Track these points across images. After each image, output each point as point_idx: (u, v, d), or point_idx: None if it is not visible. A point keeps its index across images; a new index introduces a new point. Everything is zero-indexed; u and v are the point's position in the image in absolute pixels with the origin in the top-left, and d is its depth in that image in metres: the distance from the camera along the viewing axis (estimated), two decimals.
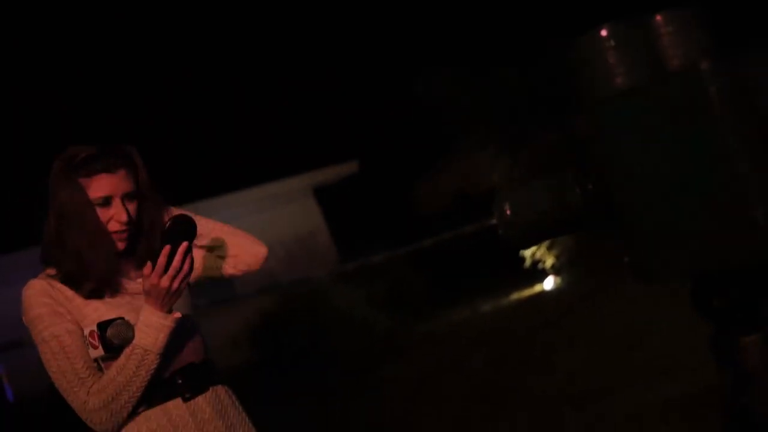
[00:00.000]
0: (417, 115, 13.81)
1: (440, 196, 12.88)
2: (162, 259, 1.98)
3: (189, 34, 17.37)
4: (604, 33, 1.00)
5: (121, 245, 2.15)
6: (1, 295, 11.75)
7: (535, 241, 1.21)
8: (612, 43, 1.00)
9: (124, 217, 2.12)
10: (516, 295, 11.64)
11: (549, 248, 11.40)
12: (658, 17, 1.07)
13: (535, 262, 11.71)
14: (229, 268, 2.34)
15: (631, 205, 1.02)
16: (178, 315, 2.06)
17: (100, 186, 2.10)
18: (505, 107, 11.75)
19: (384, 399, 7.82)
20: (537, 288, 11.59)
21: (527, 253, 11.72)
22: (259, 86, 17.71)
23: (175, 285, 2.01)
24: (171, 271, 1.99)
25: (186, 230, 2.01)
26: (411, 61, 13.42)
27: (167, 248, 1.98)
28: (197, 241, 2.22)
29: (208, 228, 2.32)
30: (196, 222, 2.12)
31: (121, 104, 15.58)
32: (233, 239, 2.33)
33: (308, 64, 18.09)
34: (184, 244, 2.00)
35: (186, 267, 2.01)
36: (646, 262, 1.04)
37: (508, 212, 1.21)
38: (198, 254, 2.29)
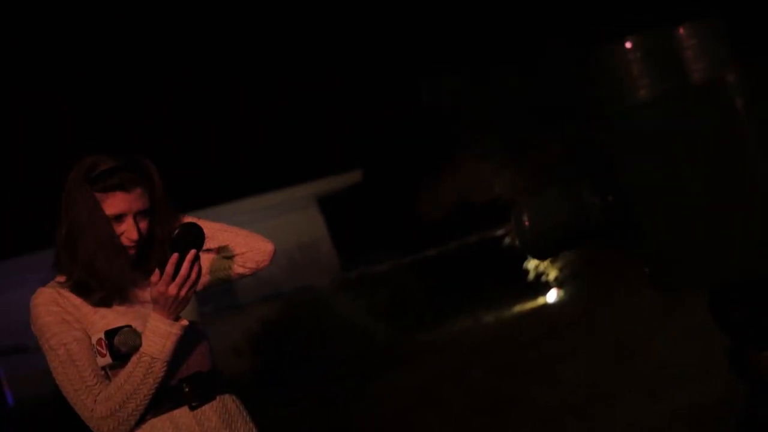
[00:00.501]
0: (421, 124, 13.82)
1: (442, 204, 12.89)
2: (170, 267, 1.99)
3: (197, 43, 17.41)
4: (628, 44, 1.00)
5: (131, 252, 2.17)
6: (1, 301, 11.80)
7: (554, 252, 1.21)
8: (637, 54, 1.00)
9: (134, 236, 2.14)
10: (519, 307, 11.63)
11: (553, 261, 11.39)
12: (681, 29, 1.08)
13: (539, 275, 11.70)
14: (238, 267, 2.33)
15: (651, 216, 1.02)
16: (185, 322, 2.07)
17: (115, 203, 2.12)
18: (510, 115, 11.75)
19: (385, 408, 7.81)
20: (540, 300, 11.57)
21: (531, 265, 11.71)
22: (264, 95, 17.75)
23: (183, 293, 2.02)
24: (179, 279, 2.00)
25: (194, 238, 2.02)
26: (415, 70, 13.43)
27: (175, 256, 2.00)
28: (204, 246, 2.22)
29: (213, 230, 2.32)
30: (201, 225, 2.13)
31: (126, 111, 15.61)
32: (239, 239, 2.33)
33: (312, 73, 18.13)
34: (192, 251, 2.01)
35: (194, 275, 2.02)
36: (665, 273, 1.04)
37: (527, 222, 1.21)
38: (206, 258, 2.30)
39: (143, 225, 2.16)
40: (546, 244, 1.22)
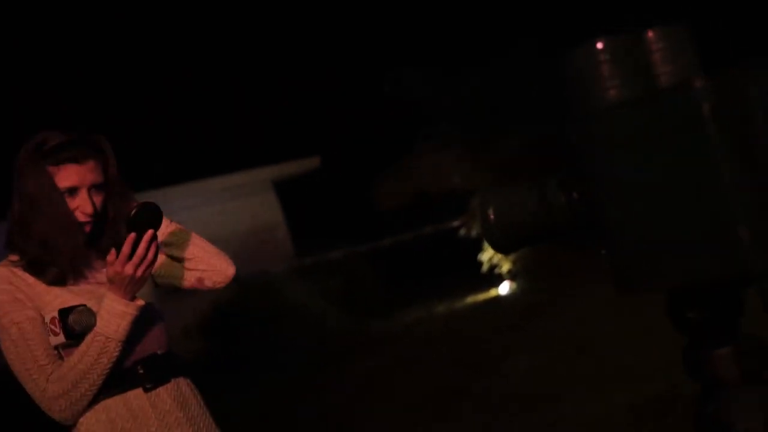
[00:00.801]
0: (382, 114, 13.83)
1: (399, 194, 12.92)
2: (127, 247, 1.97)
3: (154, 23, 17.20)
4: (599, 45, 1.02)
5: (86, 228, 2.13)
6: None
7: (518, 246, 1.22)
8: (607, 56, 1.02)
9: (89, 209, 2.10)
10: (471, 298, 11.71)
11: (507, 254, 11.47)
12: (650, 33, 1.10)
13: (492, 267, 11.80)
14: (193, 280, 2.28)
15: (615, 216, 1.04)
16: (141, 303, 2.05)
17: (67, 176, 2.08)
18: (471, 110, 11.82)
19: (334, 395, 7.83)
20: (493, 292, 11.68)
21: (484, 257, 11.80)
22: (224, 77, 17.60)
23: (139, 273, 2.00)
24: (135, 259, 1.98)
25: (152, 218, 2.00)
26: (378, 59, 13.43)
27: (132, 236, 1.97)
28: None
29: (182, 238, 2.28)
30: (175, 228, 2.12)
31: (84, 88, 15.38)
32: (203, 254, 2.27)
33: (277, 57, 18.02)
34: (150, 232, 1.99)
35: (150, 255, 2.00)
36: (627, 273, 1.06)
37: (492, 216, 1.23)
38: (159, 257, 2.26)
39: (97, 200, 2.12)
40: (510, 238, 1.24)
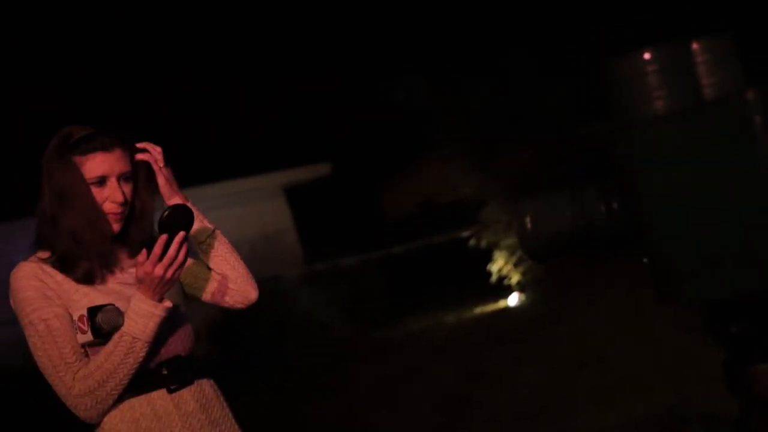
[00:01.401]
0: (392, 122, 13.84)
1: (409, 203, 12.93)
2: (158, 248, 1.97)
3: (164, 27, 17.25)
4: (647, 56, 1.02)
5: (115, 227, 2.13)
6: None
7: (554, 256, 1.22)
8: (654, 66, 1.02)
9: (119, 198, 2.10)
10: (480, 309, 11.69)
11: (516, 265, 11.46)
12: (695, 44, 1.09)
13: (501, 278, 11.77)
14: (215, 296, 2.27)
15: (659, 226, 1.03)
16: (169, 304, 2.05)
17: (95, 165, 2.09)
18: (480, 119, 11.81)
19: (339, 402, 7.81)
20: (501, 303, 11.64)
21: (494, 268, 11.77)
22: (235, 82, 17.63)
23: (169, 274, 2.00)
24: (166, 260, 1.98)
25: (184, 220, 2.00)
26: (388, 68, 13.44)
27: (164, 237, 1.97)
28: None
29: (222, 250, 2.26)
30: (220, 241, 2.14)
31: (93, 92, 15.41)
32: (232, 272, 2.26)
33: (288, 64, 18.05)
34: (181, 233, 1.99)
35: (181, 256, 2.00)
36: (670, 283, 1.05)
37: (529, 224, 1.22)
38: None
39: (127, 189, 2.12)
40: (547, 247, 1.23)
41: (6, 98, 14.17)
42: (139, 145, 2.18)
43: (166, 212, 1.98)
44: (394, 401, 7.31)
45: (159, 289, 2.01)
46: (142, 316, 2.01)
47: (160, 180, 2.20)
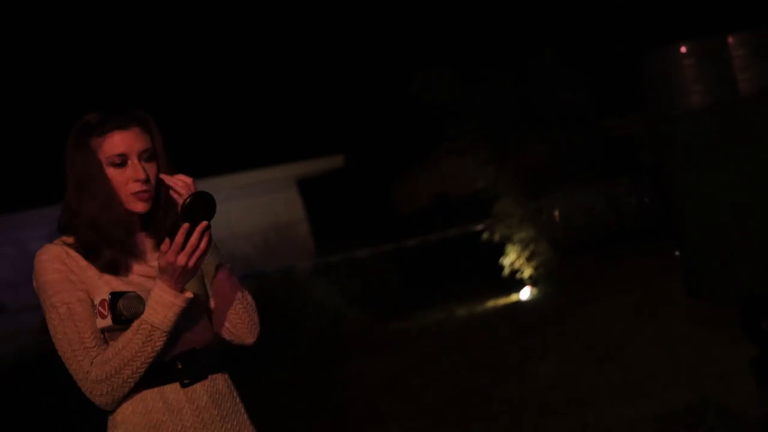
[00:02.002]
0: (407, 115, 13.82)
1: (422, 195, 12.91)
2: (180, 237, 1.96)
3: (178, 22, 17.27)
4: (683, 49, 1.01)
5: (141, 206, 2.12)
6: None
7: (582, 248, 1.21)
8: (691, 60, 1.01)
9: (141, 174, 2.10)
10: (492, 302, 11.68)
11: (528, 259, 11.44)
12: (731, 39, 1.08)
13: (514, 271, 11.75)
14: (217, 326, 2.26)
15: (693, 221, 1.03)
16: (190, 295, 2.05)
17: (113, 144, 2.09)
18: (496, 113, 11.78)
19: (352, 393, 7.82)
20: (513, 297, 11.63)
21: (506, 261, 11.75)
22: (250, 75, 17.64)
23: (192, 263, 1.99)
24: (188, 249, 1.97)
25: (206, 208, 1.98)
26: (404, 61, 13.42)
27: (186, 226, 1.96)
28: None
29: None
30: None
31: (109, 85, 15.46)
32: (235, 316, 2.25)
33: (302, 56, 18.05)
34: (203, 223, 1.97)
35: (203, 245, 1.99)
36: (701, 278, 1.05)
37: (557, 217, 1.21)
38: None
39: (149, 168, 2.12)
40: (575, 240, 1.22)
41: (28, 90, 14.25)
42: (169, 181, 2.14)
43: (188, 200, 1.96)
44: (407, 393, 7.32)
45: (181, 278, 2.01)
46: (162, 305, 2.01)
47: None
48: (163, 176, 2.15)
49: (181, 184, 2.13)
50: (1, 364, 8.76)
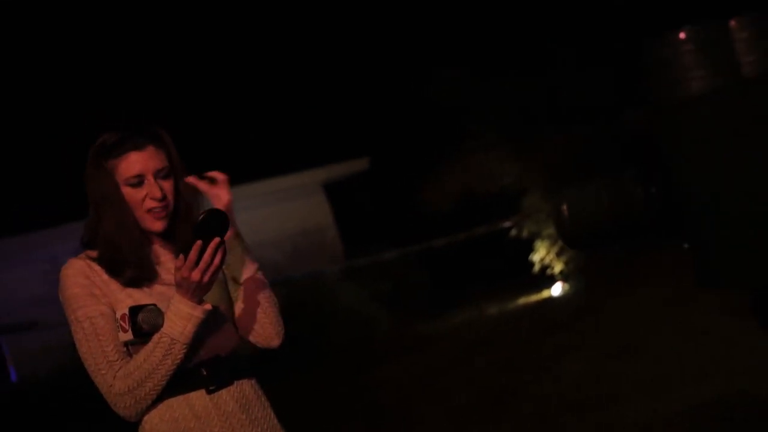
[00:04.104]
0: (429, 113, 13.79)
1: (449, 194, 12.86)
2: (193, 254, 1.98)
3: (204, 26, 17.39)
4: (682, 35, 0.99)
5: (158, 225, 2.16)
6: (5, 280, 11.81)
7: (593, 243, 1.19)
8: (690, 46, 0.99)
9: (157, 193, 2.13)
10: (523, 300, 11.62)
11: (558, 254, 11.38)
12: (733, 22, 1.06)
13: (544, 268, 11.69)
14: (239, 322, 2.27)
15: (701, 210, 1.01)
16: (208, 306, 2.07)
17: (129, 165, 2.13)
18: (519, 108, 11.74)
19: (385, 396, 7.82)
20: (545, 293, 11.57)
21: (536, 258, 11.69)
22: (272, 80, 17.71)
23: (206, 278, 2.02)
24: (202, 265, 2.00)
25: (218, 225, 2.00)
26: (424, 59, 13.39)
27: (198, 243, 1.98)
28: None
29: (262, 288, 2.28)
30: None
31: (136, 93, 15.60)
32: (263, 316, 2.27)
33: (323, 59, 18.08)
34: (216, 240, 2.00)
35: (217, 261, 2.01)
36: (711, 268, 1.03)
37: (566, 212, 1.20)
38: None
39: (165, 186, 2.16)
40: (585, 234, 1.21)
41: (59, 107, 14.43)
42: (208, 175, 2.23)
43: (201, 217, 1.99)
44: (439, 394, 7.30)
45: (197, 292, 2.04)
46: (181, 317, 2.04)
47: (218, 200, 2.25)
48: (189, 180, 2.20)
49: (210, 183, 2.22)
50: (35, 380, 8.87)
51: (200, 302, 2.06)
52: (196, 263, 1.99)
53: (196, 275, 2.00)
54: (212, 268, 2.01)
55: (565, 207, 1.04)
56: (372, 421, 7.10)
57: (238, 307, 2.27)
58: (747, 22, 0.93)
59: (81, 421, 7.41)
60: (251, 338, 2.28)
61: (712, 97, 0.84)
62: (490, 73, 11.86)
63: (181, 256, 2.01)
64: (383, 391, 8.05)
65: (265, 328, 2.28)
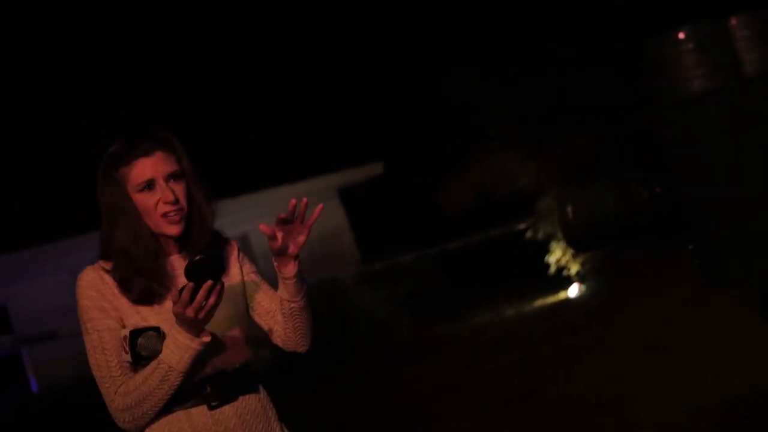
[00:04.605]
0: (444, 116, 13.78)
1: (464, 196, 12.84)
2: (186, 294, 1.97)
3: (220, 30, 17.45)
4: (681, 35, 0.99)
5: (174, 229, 2.14)
6: (26, 290, 11.90)
7: (598, 245, 1.20)
8: (690, 45, 0.99)
9: (170, 196, 2.12)
10: (540, 301, 11.59)
11: (574, 256, 11.34)
12: (734, 20, 1.06)
13: (560, 269, 11.65)
14: (268, 324, 2.28)
15: (704, 210, 1.01)
16: (206, 339, 2.05)
17: (139, 171, 2.12)
18: (534, 109, 11.71)
19: (405, 399, 7.82)
20: (561, 295, 11.53)
21: (552, 259, 11.66)
22: (287, 85, 17.75)
23: (201, 316, 2.00)
24: (195, 305, 1.99)
25: (212, 269, 1.99)
26: (438, 62, 13.38)
27: (190, 285, 1.97)
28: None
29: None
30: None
31: (151, 102, 15.68)
32: (299, 324, 2.25)
33: (335, 64, 18.12)
34: (208, 283, 1.98)
35: (212, 301, 2.00)
36: (717, 267, 1.03)
37: (571, 214, 1.20)
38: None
39: (177, 189, 2.14)
40: (590, 236, 1.21)
41: (75, 117, 14.52)
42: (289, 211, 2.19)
43: (192, 261, 1.97)
44: (459, 396, 7.30)
45: (193, 326, 2.03)
46: (178, 347, 2.03)
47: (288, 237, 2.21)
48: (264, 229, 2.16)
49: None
50: (55, 389, 8.92)
51: (198, 334, 2.04)
52: (190, 302, 1.98)
53: (190, 312, 1.99)
54: (206, 308, 2.00)
55: (569, 209, 1.04)
56: (392, 423, 7.10)
57: (274, 319, 2.26)
58: (747, 21, 0.93)
59: (100, 431, 7.45)
60: (279, 342, 2.29)
61: (713, 97, 0.85)
62: (506, 71, 11.82)
63: (175, 291, 2.02)
64: (402, 394, 8.05)
65: (298, 337, 2.27)
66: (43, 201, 13.40)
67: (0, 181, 13.57)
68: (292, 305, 2.22)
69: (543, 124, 11.64)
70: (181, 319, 2.01)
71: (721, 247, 0.92)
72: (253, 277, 2.30)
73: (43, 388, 10.35)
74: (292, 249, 2.18)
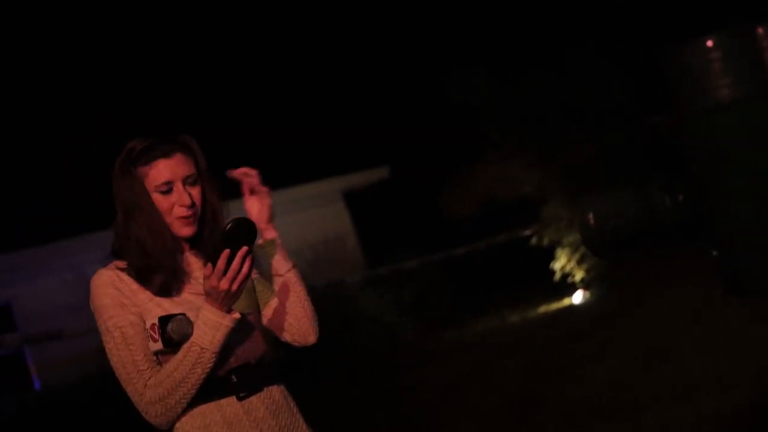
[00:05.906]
0: (449, 121, 13.79)
1: (470, 202, 12.84)
2: (221, 263, 2.00)
3: (225, 34, 17.49)
4: (709, 43, 0.99)
5: (187, 231, 2.18)
6: (30, 289, 11.91)
7: (619, 251, 1.19)
8: (718, 53, 0.99)
9: (187, 200, 2.15)
10: (545, 307, 11.58)
11: (579, 262, 11.33)
12: (760, 29, 1.06)
13: (565, 276, 11.64)
14: (273, 322, 2.29)
15: (729, 217, 1.01)
16: (237, 315, 2.08)
17: (158, 172, 2.15)
18: (540, 114, 11.70)
19: (408, 404, 7.81)
20: (566, 301, 11.52)
21: (557, 265, 11.65)
22: (291, 89, 17.78)
23: (234, 287, 2.03)
24: (230, 274, 2.01)
25: (246, 234, 2.01)
26: (443, 66, 13.39)
27: (227, 252, 1.99)
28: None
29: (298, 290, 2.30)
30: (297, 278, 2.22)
31: (160, 105, 15.72)
32: (302, 312, 2.29)
33: (341, 67, 18.14)
34: (244, 248, 2.00)
35: (245, 269, 2.02)
36: (741, 275, 1.02)
37: (592, 220, 1.20)
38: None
39: (194, 192, 2.18)
40: (611, 243, 1.21)
41: (80, 112, 14.55)
42: (236, 173, 2.28)
43: (228, 226, 2.00)
44: (463, 402, 7.29)
45: (226, 301, 2.05)
46: (210, 326, 2.05)
47: (254, 205, 2.30)
48: (231, 173, 2.25)
49: (243, 176, 2.27)
50: (58, 388, 8.92)
51: (229, 311, 2.07)
52: (225, 272, 2.00)
53: (224, 284, 2.01)
54: (240, 277, 2.02)
55: (591, 216, 1.04)
56: (396, 427, 7.09)
57: (275, 304, 2.28)
58: None
59: (103, 430, 7.45)
60: (288, 336, 2.30)
61: (740, 104, 0.84)
62: (511, 76, 11.82)
63: (209, 264, 2.03)
64: (407, 399, 8.04)
65: (302, 324, 2.29)
66: (48, 200, 13.43)
67: (6, 181, 13.60)
68: (288, 277, 2.29)
69: (548, 129, 11.63)
70: (213, 295, 2.03)
71: (745, 256, 0.92)
72: (257, 276, 2.32)
73: (47, 387, 10.36)
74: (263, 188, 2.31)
